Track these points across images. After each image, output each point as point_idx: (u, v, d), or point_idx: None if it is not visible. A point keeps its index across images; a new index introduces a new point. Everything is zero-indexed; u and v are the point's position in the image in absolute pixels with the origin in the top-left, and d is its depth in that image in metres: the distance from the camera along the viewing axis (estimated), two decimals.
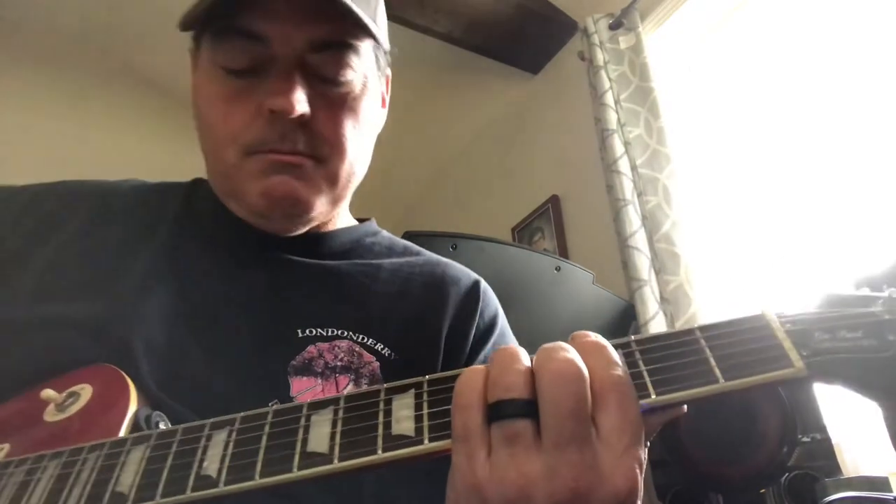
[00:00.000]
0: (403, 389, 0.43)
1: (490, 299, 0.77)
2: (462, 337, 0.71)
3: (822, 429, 1.23)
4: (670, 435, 1.42)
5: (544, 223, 2.48)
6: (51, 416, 0.54)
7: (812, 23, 1.75)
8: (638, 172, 1.89)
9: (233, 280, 0.68)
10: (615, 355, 0.40)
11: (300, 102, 0.62)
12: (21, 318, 0.63)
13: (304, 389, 0.61)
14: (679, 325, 1.67)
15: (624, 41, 2.09)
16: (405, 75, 3.12)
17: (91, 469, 0.46)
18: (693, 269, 1.73)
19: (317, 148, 0.66)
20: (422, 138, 3.17)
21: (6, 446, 0.52)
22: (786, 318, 0.41)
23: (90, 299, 0.64)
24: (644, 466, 0.38)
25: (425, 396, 0.42)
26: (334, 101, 0.67)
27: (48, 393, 0.55)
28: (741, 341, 0.41)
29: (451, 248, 1.45)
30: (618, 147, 1.94)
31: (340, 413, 0.43)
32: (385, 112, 0.81)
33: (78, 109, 2.71)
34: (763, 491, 1.26)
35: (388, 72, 0.79)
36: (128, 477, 0.44)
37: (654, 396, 0.39)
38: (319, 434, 0.42)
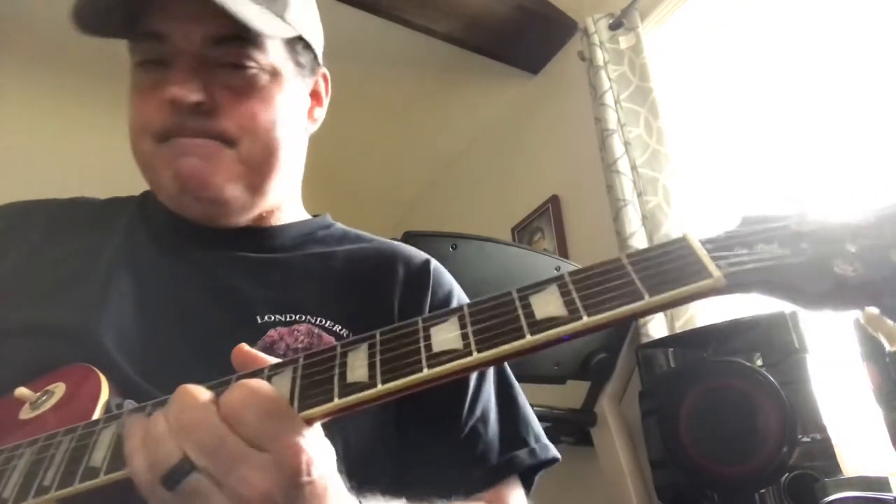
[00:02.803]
0: (357, 343, 0.46)
1: (442, 276, 0.79)
2: (416, 312, 0.72)
3: (822, 429, 1.23)
4: (670, 435, 1.42)
5: (544, 223, 2.48)
6: (26, 414, 0.56)
7: (812, 22, 1.75)
8: (638, 172, 1.89)
9: (188, 277, 0.71)
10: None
11: (194, 92, 0.67)
12: None
13: None
14: (679, 325, 1.67)
15: (624, 41, 2.09)
16: (405, 75, 3.11)
17: (65, 450, 0.48)
18: None
19: (222, 130, 0.69)
20: (422, 138, 3.17)
21: None
22: (706, 239, 0.44)
23: (58, 305, 0.66)
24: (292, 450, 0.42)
25: (378, 347, 0.45)
26: (239, 87, 0.70)
27: (22, 391, 0.56)
28: (664, 262, 0.43)
29: (452, 247, 1.45)
30: (618, 147, 1.94)
31: (300, 371, 0.45)
32: (322, 111, 0.83)
33: (76, 108, 2.71)
34: (763, 491, 1.26)
35: (322, 70, 0.82)
36: (100, 453, 0.46)
37: (586, 320, 0.41)
38: (281, 388, 0.45)
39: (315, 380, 0.44)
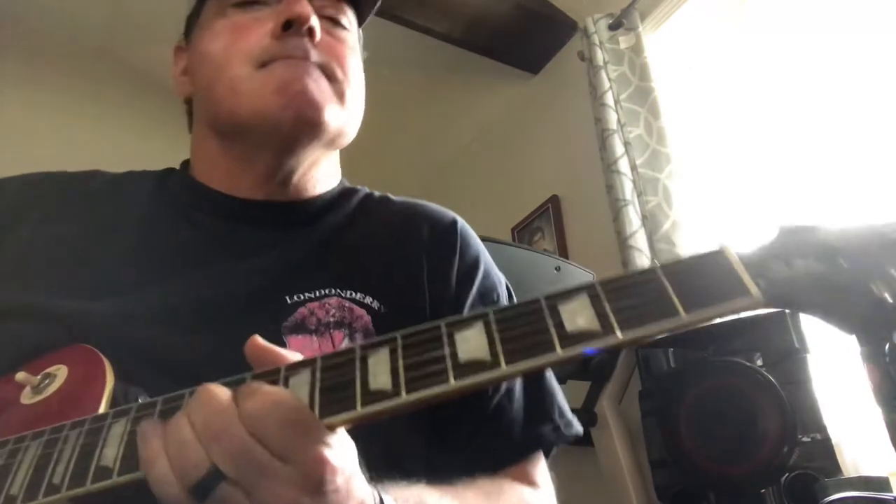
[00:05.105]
0: (378, 346, 0.43)
1: (470, 238, 0.76)
2: (443, 278, 0.70)
3: (822, 429, 1.23)
4: (670, 435, 1.42)
5: (544, 223, 2.47)
6: (28, 398, 0.54)
7: (813, 22, 1.75)
8: (638, 172, 1.89)
9: (213, 258, 0.68)
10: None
11: (314, 15, 0.68)
12: None
13: (300, 348, 0.60)
14: None
15: (624, 41, 2.09)
16: (405, 75, 3.11)
17: (73, 446, 0.45)
18: None
19: (327, 64, 0.70)
20: (422, 138, 3.17)
21: None
22: (744, 252, 0.42)
23: (60, 286, 0.63)
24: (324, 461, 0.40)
25: (400, 351, 0.42)
26: (338, 37, 0.73)
27: (23, 375, 0.54)
28: (700, 275, 0.41)
29: None
30: (618, 147, 1.94)
31: (318, 373, 0.43)
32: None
33: (77, 108, 2.71)
34: (763, 491, 1.26)
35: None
36: (111, 451, 0.44)
37: (621, 337, 0.39)
38: (299, 391, 0.42)
39: (336, 384, 0.42)
